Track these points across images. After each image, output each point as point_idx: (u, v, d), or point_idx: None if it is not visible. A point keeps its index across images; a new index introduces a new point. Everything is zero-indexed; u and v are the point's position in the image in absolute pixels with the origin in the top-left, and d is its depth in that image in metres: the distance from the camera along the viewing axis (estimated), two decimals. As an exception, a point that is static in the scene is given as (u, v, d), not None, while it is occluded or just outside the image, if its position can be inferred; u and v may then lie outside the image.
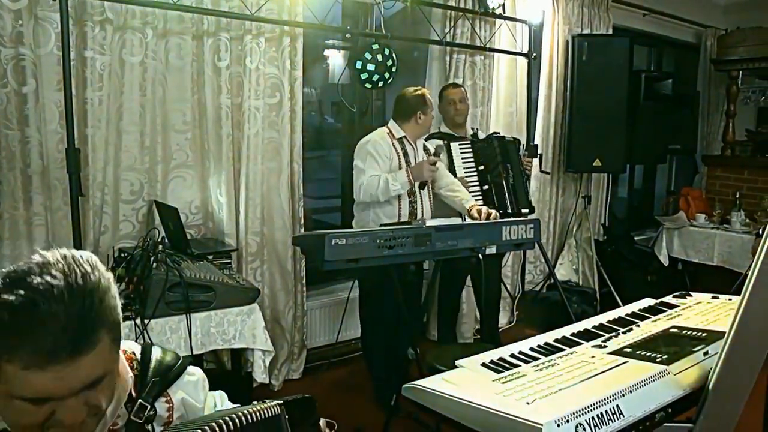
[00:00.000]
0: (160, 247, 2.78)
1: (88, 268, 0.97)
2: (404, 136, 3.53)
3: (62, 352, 0.88)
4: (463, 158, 3.80)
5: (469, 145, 3.84)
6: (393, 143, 3.48)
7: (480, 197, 3.76)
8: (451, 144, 3.82)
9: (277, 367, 3.80)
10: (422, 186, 3.47)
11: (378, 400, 3.57)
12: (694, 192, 6.09)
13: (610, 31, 5.52)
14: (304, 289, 3.93)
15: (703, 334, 1.68)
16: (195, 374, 1.22)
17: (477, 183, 3.80)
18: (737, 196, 5.65)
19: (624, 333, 1.76)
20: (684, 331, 1.71)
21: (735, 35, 6.03)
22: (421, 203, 3.51)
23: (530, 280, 5.29)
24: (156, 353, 1.16)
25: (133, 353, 1.15)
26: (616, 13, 5.60)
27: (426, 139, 3.76)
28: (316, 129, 6.16)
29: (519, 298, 5.19)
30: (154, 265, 2.65)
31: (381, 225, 3.26)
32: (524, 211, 3.89)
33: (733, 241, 5.33)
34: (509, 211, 3.80)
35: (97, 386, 0.95)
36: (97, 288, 0.95)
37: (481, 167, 3.81)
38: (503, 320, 5.07)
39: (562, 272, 5.28)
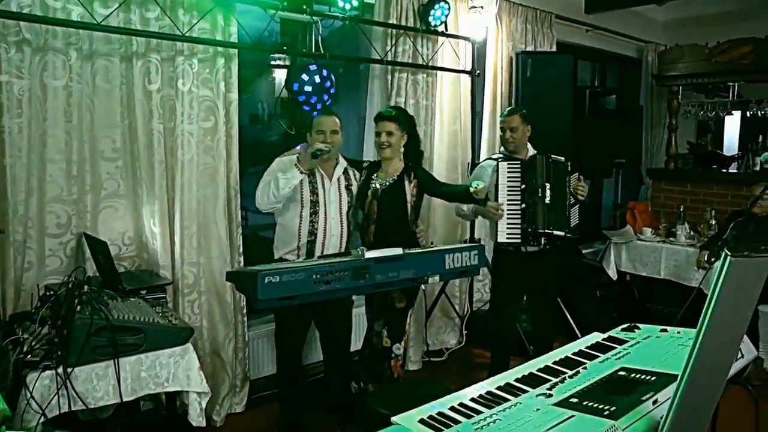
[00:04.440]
0: (86, 287, 2.59)
1: None
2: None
3: None
4: (509, 177, 3.70)
5: (519, 166, 3.72)
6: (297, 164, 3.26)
7: (518, 216, 3.68)
8: (500, 163, 3.73)
9: (219, 402, 3.64)
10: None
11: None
12: (640, 205, 6.16)
13: (554, 48, 5.55)
14: (245, 319, 3.78)
15: (653, 378, 1.61)
16: None
17: (518, 202, 3.68)
18: (681, 210, 5.73)
19: (571, 377, 1.68)
20: (632, 375, 1.64)
21: (674, 51, 6.14)
22: (326, 208, 3.33)
23: (479, 298, 5.23)
24: None
25: None
26: (559, 29, 5.63)
27: (484, 160, 3.64)
28: (264, 144, 6.02)
29: (468, 317, 5.12)
30: (78, 307, 2.46)
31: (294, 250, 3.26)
32: (557, 233, 3.73)
33: (678, 255, 5.38)
34: (539, 230, 3.68)
35: None
36: None
37: (523, 186, 3.70)
38: (453, 340, 5.01)
39: (512, 289, 5.22)
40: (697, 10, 6.31)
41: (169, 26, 3.22)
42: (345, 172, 3.47)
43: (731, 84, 6.33)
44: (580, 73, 5.97)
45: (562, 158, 3.80)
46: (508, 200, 3.67)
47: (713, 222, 5.48)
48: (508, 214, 3.66)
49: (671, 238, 5.58)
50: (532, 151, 3.89)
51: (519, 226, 3.68)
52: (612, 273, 5.73)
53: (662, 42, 6.77)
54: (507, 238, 3.68)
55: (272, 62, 5.35)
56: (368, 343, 3.67)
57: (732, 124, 6.88)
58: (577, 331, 5.00)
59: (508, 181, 3.69)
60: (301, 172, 3.20)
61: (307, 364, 4.09)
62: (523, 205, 3.67)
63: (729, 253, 1.18)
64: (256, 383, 3.96)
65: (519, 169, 3.70)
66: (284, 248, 3.36)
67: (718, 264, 1.24)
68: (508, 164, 3.72)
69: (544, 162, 3.73)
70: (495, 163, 3.77)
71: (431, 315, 4.78)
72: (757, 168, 5.82)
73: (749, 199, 5.02)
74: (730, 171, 6.11)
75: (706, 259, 4.38)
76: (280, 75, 5.41)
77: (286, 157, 3.34)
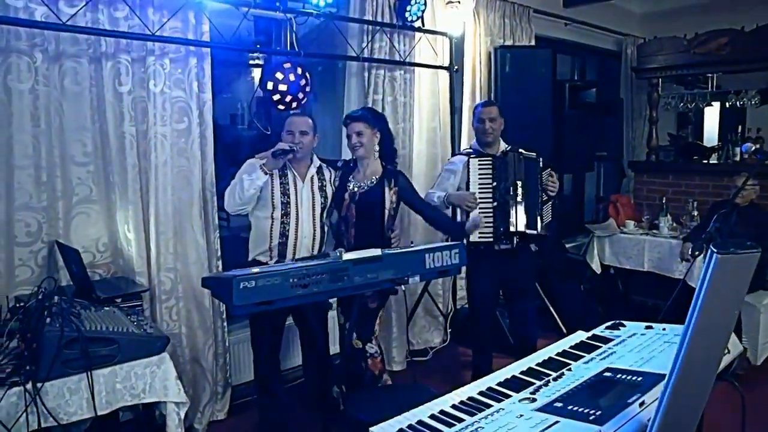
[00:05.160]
0: (56, 298, 2.50)
1: None
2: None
3: None
4: (480, 174, 3.65)
5: (490, 162, 3.66)
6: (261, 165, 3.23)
7: (491, 215, 3.63)
8: (471, 160, 3.68)
9: (200, 410, 3.56)
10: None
11: None
12: (623, 198, 6.15)
13: (533, 42, 5.52)
14: (225, 324, 3.70)
15: (639, 378, 1.56)
16: None
17: (490, 200, 3.63)
18: (663, 201, 5.73)
19: (555, 380, 1.63)
20: (618, 375, 1.60)
21: (652, 44, 6.14)
22: (297, 209, 3.30)
23: (462, 296, 5.18)
24: None
25: None
26: (538, 23, 5.60)
27: (453, 155, 3.58)
28: (245, 144, 5.94)
29: (451, 316, 5.07)
30: (48, 319, 2.37)
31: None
32: (530, 232, 3.68)
33: (662, 247, 5.39)
34: (511, 230, 3.63)
35: None
36: None
37: (494, 184, 3.64)
38: (437, 339, 4.96)
39: (496, 286, 5.19)
40: (674, 2, 6.33)
41: (139, 26, 3.13)
42: (319, 172, 3.41)
43: (710, 75, 6.33)
44: (559, 67, 5.95)
45: (534, 154, 3.76)
46: (480, 198, 3.63)
47: (695, 213, 5.49)
48: (480, 212, 3.62)
49: (654, 231, 5.58)
50: (503, 146, 3.83)
51: (491, 224, 3.64)
52: (596, 267, 5.72)
53: (641, 35, 6.77)
54: (479, 237, 3.63)
55: (251, 61, 5.27)
56: (346, 345, 3.61)
57: (711, 116, 6.90)
58: (562, 326, 4.99)
59: (479, 179, 3.65)
60: (265, 173, 3.16)
61: (287, 369, 4.02)
62: (495, 204, 3.63)
63: (715, 250, 1.14)
64: (238, 389, 3.89)
65: (490, 166, 3.65)
66: (256, 249, 3.32)
67: (701, 258, 1.19)
68: (479, 161, 3.67)
69: (515, 158, 3.68)
70: (466, 158, 3.72)
71: (414, 314, 4.73)
72: (737, 158, 5.83)
73: (731, 190, 5.03)
74: (710, 162, 6.12)
75: (690, 252, 4.37)
76: (258, 74, 5.32)
77: (255, 159, 3.28)
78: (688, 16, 6.24)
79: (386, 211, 3.40)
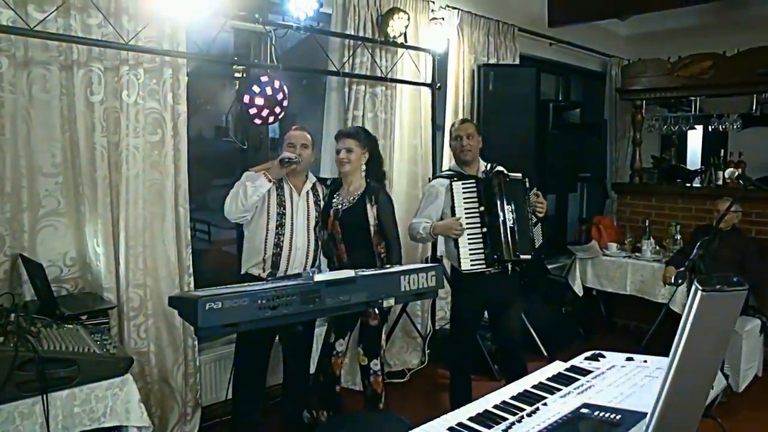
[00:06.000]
0: (12, 315, 2.38)
1: None
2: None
3: None
4: (465, 198, 3.45)
5: (474, 184, 3.48)
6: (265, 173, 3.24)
7: (480, 241, 3.44)
8: (453, 183, 3.47)
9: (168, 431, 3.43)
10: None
11: None
12: (606, 220, 6.12)
13: (517, 61, 5.49)
14: (195, 343, 3.58)
15: (618, 416, 1.48)
16: None
17: (478, 225, 3.44)
18: (647, 224, 5.70)
19: (529, 415, 1.55)
20: (596, 413, 1.51)
21: (637, 66, 6.14)
22: (292, 221, 3.29)
23: (441, 316, 5.09)
24: None
25: None
26: (522, 42, 5.58)
27: (434, 177, 3.54)
28: (229, 156, 5.84)
29: (429, 337, 4.98)
30: (2, 338, 2.26)
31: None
32: (523, 257, 3.46)
33: (644, 270, 5.35)
34: (505, 257, 3.43)
35: None
36: None
37: (482, 208, 3.45)
38: (415, 360, 4.87)
39: (476, 307, 5.10)
40: (659, 25, 6.34)
41: (113, 34, 3.04)
42: (314, 188, 3.44)
43: (693, 98, 6.34)
44: (543, 86, 5.93)
45: (519, 175, 3.61)
46: (467, 223, 3.44)
47: (678, 237, 5.46)
48: (468, 239, 3.44)
49: (637, 254, 5.54)
50: (482, 164, 3.68)
51: (482, 251, 3.45)
52: (578, 289, 5.67)
53: (625, 56, 6.79)
54: (471, 266, 3.44)
55: (236, 74, 5.19)
56: (322, 367, 3.52)
57: (695, 139, 6.89)
58: (542, 349, 4.92)
59: (465, 202, 3.46)
60: (270, 181, 3.19)
61: (272, 385, 3.89)
62: (485, 229, 3.45)
63: (699, 287, 1.07)
64: (208, 410, 3.77)
65: (474, 189, 3.47)
66: (250, 261, 3.30)
67: (683, 287, 1.12)
68: (462, 184, 3.48)
69: (501, 181, 3.50)
70: (447, 182, 3.55)
71: (392, 335, 4.64)
72: (720, 182, 5.82)
73: (713, 214, 5.01)
74: (694, 185, 6.10)
75: (672, 280, 4.30)
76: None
77: (252, 172, 3.29)
78: (672, 39, 6.25)
79: (371, 228, 3.34)
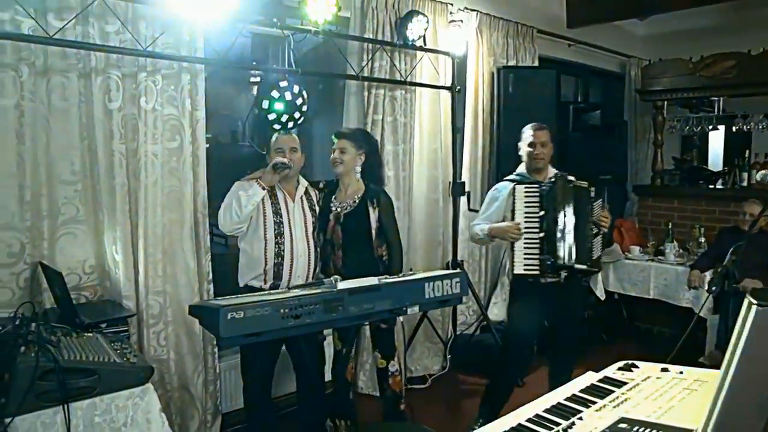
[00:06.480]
0: (33, 325, 2.36)
1: None
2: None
3: None
4: (526, 202, 3.38)
5: (537, 189, 3.40)
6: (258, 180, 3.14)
7: (536, 245, 3.35)
8: (516, 186, 3.42)
9: (188, 440, 3.41)
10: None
11: None
12: (627, 223, 6.03)
13: (536, 62, 5.43)
14: (216, 349, 3.56)
15: (658, 432, 1.42)
16: None
17: (536, 230, 3.35)
18: (670, 227, 5.60)
19: (565, 430, 1.49)
20: (635, 427, 1.45)
21: (657, 66, 6.06)
22: (291, 229, 3.21)
23: (463, 321, 5.04)
24: None
25: None
26: (541, 43, 5.51)
27: (498, 181, 3.48)
28: (247, 161, 5.83)
29: (451, 342, 4.92)
30: (23, 348, 2.23)
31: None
32: (578, 266, 3.35)
33: (668, 273, 5.25)
34: (558, 264, 3.33)
35: None
36: None
37: (542, 213, 3.36)
38: (436, 366, 4.81)
39: (496, 312, 5.03)
40: (678, 25, 6.23)
41: (131, 40, 3.02)
42: (306, 192, 3.36)
43: (715, 99, 6.24)
44: (563, 88, 5.86)
45: (585, 183, 3.49)
46: (525, 228, 3.36)
47: (702, 240, 5.36)
48: (525, 242, 3.36)
49: (660, 257, 5.44)
50: (552, 172, 3.59)
51: (537, 256, 3.35)
52: (600, 293, 5.57)
53: (644, 56, 6.70)
54: (524, 270, 3.36)
55: (252, 79, 5.17)
56: (337, 374, 3.50)
57: (717, 139, 6.78)
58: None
59: (525, 207, 3.37)
60: (263, 188, 3.08)
61: (281, 395, 3.86)
62: (542, 234, 3.35)
63: (755, 302, 1.01)
64: (229, 417, 3.75)
65: (537, 194, 3.38)
66: (250, 274, 3.19)
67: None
68: (525, 188, 3.40)
69: (565, 186, 3.40)
70: (511, 185, 3.47)
71: (413, 340, 4.59)
72: (744, 183, 5.71)
73: (738, 216, 4.92)
74: (717, 187, 6.00)
75: (706, 286, 4.15)
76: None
77: (245, 180, 3.18)
78: (691, 39, 6.14)
79: (373, 231, 3.30)
